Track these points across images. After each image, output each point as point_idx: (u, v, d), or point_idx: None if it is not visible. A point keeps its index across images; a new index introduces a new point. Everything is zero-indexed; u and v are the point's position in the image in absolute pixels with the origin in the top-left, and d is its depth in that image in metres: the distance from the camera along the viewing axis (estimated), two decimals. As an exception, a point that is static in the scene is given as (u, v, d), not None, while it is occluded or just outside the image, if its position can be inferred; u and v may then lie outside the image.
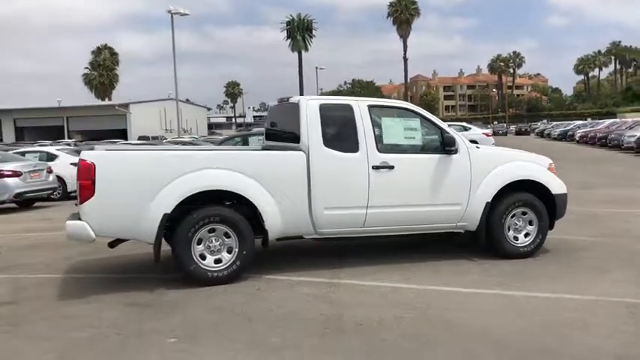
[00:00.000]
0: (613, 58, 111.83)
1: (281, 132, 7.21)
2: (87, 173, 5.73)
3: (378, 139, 6.61)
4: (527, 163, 7.32)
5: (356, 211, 6.52)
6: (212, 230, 6.08)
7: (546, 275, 6.27)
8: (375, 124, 6.65)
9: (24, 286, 6.46)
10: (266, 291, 5.87)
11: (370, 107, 6.71)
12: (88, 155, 5.81)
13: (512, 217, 7.03)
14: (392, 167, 6.55)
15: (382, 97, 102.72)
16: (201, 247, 6.06)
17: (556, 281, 6.01)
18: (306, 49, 74.96)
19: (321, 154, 6.37)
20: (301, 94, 75.44)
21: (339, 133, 6.59)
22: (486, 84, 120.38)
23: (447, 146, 6.76)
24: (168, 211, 5.88)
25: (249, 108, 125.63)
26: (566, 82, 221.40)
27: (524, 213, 7.09)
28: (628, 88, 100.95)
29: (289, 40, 73.88)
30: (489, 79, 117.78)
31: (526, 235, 7.11)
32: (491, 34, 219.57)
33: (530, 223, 7.12)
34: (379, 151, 6.56)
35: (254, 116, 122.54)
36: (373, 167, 6.51)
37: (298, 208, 6.33)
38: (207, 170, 6.07)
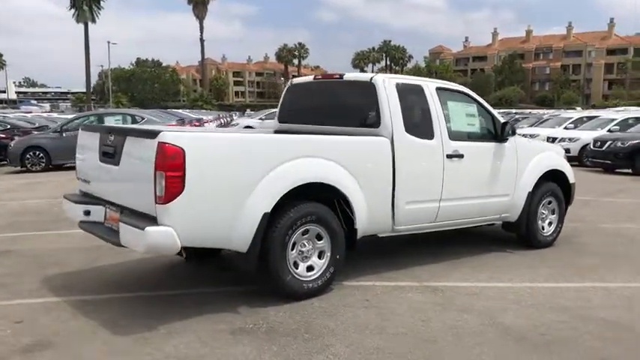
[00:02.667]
0: (384, 54, 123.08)
1: (332, 113, 6.15)
2: (174, 162, 4.21)
3: (448, 125, 6.05)
4: (554, 153, 7.41)
5: (431, 205, 5.90)
6: (305, 232, 4.97)
7: (596, 264, 6.37)
8: (443, 108, 6.08)
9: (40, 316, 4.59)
10: (378, 302, 4.99)
11: (437, 89, 6.11)
12: (173, 137, 4.27)
13: (542, 206, 7.06)
14: (461, 156, 6.06)
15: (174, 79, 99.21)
16: (294, 252, 4.92)
17: (614, 269, 6.15)
18: (94, 21, 68.59)
19: (404, 141, 5.60)
20: (88, 71, 69.53)
21: (415, 117, 5.87)
22: (274, 72, 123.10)
23: (501, 134, 6.48)
24: (269, 210, 4.64)
25: (13, 82, 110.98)
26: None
27: (549, 202, 7.17)
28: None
29: (73, 10, 66.84)
30: (277, 67, 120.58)
31: (549, 224, 7.20)
32: (270, 23, 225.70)
33: (553, 212, 7.23)
34: (450, 138, 6.01)
35: (17, 92, 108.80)
36: (447, 156, 5.95)
37: (383, 202, 5.50)
38: (304, 159, 4.91)
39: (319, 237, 5.05)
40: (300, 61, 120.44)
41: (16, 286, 5.46)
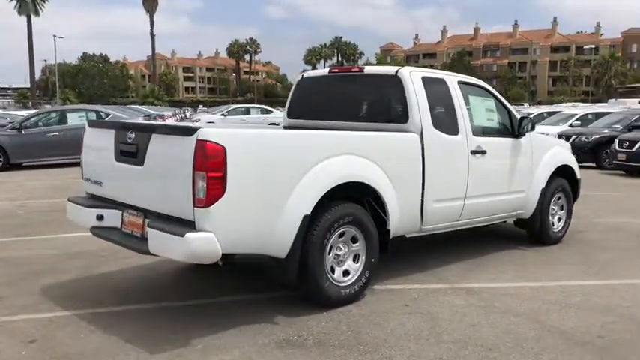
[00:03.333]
0: (336, 51, 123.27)
1: (352, 108, 5.85)
2: (216, 161, 3.83)
3: (471, 120, 5.86)
4: (563, 148, 7.34)
5: (457, 203, 5.69)
6: (342, 234, 4.66)
7: (610, 260, 6.33)
8: (465, 103, 5.87)
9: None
10: (418, 307, 4.74)
11: (459, 83, 5.90)
12: (214, 135, 3.88)
13: (553, 202, 6.98)
14: (484, 152, 5.88)
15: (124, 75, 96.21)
16: (331, 256, 4.60)
17: (629, 265, 6.12)
18: (37, 14, 65.92)
19: (432, 137, 5.36)
20: (32, 66, 66.58)
21: (441, 112, 5.63)
22: (225, 68, 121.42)
23: (518, 129, 6.34)
24: (309, 211, 4.31)
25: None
26: (295, 71, 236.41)
27: (559, 198, 7.10)
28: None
29: (15, 2, 64.06)
30: (227, 63, 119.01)
31: (559, 219, 7.14)
32: (218, 19, 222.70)
33: (562, 208, 7.17)
34: (473, 134, 5.82)
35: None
36: (471, 152, 5.76)
37: (413, 201, 5.25)
38: (340, 157, 4.59)
39: (354, 239, 4.76)
40: (251, 57, 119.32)
41: (14, 298, 4.94)
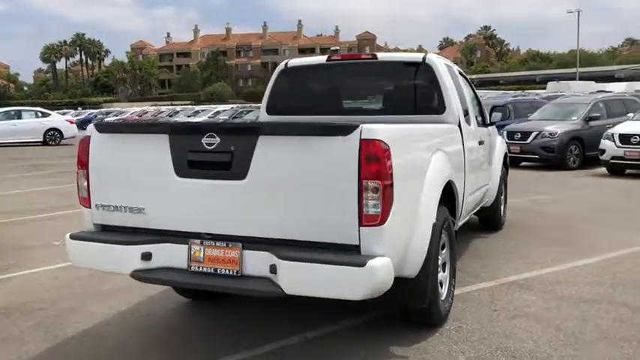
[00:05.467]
0: (78, 48, 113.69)
1: (364, 100, 5.19)
2: (389, 165, 2.97)
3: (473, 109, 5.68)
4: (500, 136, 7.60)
5: (474, 195, 5.48)
6: (443, 244, 4.06)
7: (567, 241, 6.78)
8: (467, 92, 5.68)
9: None
10: (503, 309, 4.37)
11: (458, 71, 5.67)
12: (379, 132, 3.00)
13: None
14: (482, 143, 5.78)
15: None
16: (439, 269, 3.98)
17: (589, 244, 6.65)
18: None
19: (465, 127, 5.04)
20: None
21: (461, 101, 5.30)
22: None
23: (490, 118, 6.38)
24: (435, 219, 3.65)
25: None
26: (30, 70, 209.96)
27: (505, 185, 7.37)
28: (97, 79, 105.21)
29: None
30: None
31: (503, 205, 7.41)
32: None
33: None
34: (477, 124, 5.67)
35: None
36: (479, 143, 5.60)
37: (464, 197, 4.88)
38: (437, 153, 3.98)
39: (443, 246, 4.20)
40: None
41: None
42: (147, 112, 43.26)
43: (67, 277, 5.35)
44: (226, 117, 32.40)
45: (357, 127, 2.99)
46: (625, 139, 12.05)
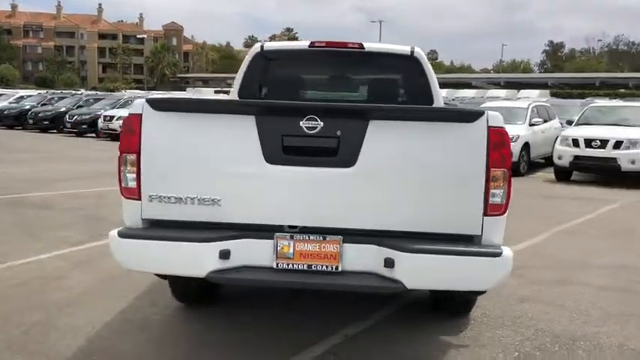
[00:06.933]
0: None
1: (345, 90, 5.01)
2: (510, 153, 2.98)
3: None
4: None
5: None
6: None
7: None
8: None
9: None
10: (501, 290, 4.61)
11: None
12: (499, 119, 2.95)
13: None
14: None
15: None
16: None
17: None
18: None
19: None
20: None
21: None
22: None
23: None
24: None
25: None
26: None
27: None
28: None
29: None
30: None
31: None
32: None
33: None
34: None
35: None
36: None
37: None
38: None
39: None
40: None
41: None
42: None
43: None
44: (34, 103, 29.14)
45: (483, 113, 2.93)
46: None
